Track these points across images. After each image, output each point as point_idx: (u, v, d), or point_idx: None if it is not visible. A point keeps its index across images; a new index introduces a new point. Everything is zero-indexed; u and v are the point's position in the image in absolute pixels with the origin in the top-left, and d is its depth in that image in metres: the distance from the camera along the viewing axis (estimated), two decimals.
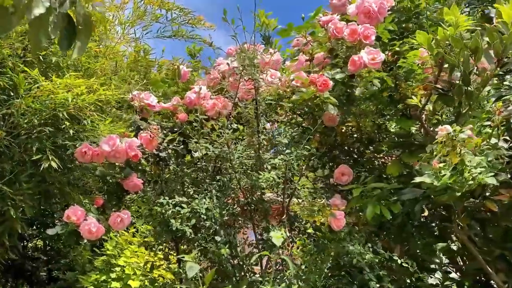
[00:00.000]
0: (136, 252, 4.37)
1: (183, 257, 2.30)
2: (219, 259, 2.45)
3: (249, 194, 2.66)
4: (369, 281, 2.60)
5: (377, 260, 2.58)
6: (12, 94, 3.44)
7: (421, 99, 2.43)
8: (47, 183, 3.57)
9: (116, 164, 2.56)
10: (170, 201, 2.48)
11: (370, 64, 2.47)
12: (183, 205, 2.49)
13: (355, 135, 2.97)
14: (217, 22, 5.44)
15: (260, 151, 2.55)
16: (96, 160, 2.49)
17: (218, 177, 2.64)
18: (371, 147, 3.01)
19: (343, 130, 2.88)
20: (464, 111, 2.28)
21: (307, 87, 2.60)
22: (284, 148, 2.51)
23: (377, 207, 2.57)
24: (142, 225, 4.64)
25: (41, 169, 3.24)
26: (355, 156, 3.01)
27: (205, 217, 2.46)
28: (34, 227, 4.55)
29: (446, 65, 2.29)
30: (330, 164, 3.00)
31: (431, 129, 2.50)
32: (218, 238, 2.50)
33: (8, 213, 3.31)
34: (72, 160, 3.72)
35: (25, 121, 3.30)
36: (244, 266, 2.61)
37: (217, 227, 2.52)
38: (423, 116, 2.52)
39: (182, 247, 3.01)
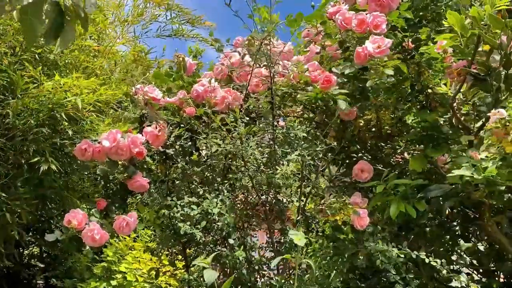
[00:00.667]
0: (137, 258, 4.11)
1: (192, 263, 2.02)
2: (233, 264, 2.19)
3: (264, 193, 2.40)
4: (395, 284, 2.36)
5: (401, 261, 2.34)
6: (7, 94, 3.20)
7: (450, 87, 2.19)
8: (44, 187, 3.33)
9: (119, 162, 2.29)
10: (178, 202, 2.21)
11: (376, 54, 2.22)
12: (192, 206, 2.23)
13: (374, 129, 2.72)
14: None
15: (276, 146, 2.29)
16: (97, 158, 2.22)
17: (229, 175, 2.38)
18: (390, 142, 2.76)
19: (361, 124, 2.64)
20: (503, 98, 2.05)
21: (313, 85, 2.36)
22: (302, 143, 2.26)
23: (402, 205, 2.33)
24: (143, 229, 4.41)
25: (38, 172, 3.01)
26: (373, 152, 2.76)
27: (217, 218, 2.21)
28: (31, 234, 4.27)
29: (480, 49, 2.06)
30: (347, 161, 2.75)
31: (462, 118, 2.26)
32: (231, 241, 2.24)
33: (3, 219, 3.05)
34: (70, 163, 3.49)
35: (21, 122, 3.06)
36: (260, 270, 2.36)
37: (230, 229, 2.26)
38: (455, 105, 2.27)
39: (189, 251, 2.75)
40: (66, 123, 3.12)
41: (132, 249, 4.28)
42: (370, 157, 2.73)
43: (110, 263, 4.03)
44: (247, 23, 2.52)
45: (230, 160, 2.42)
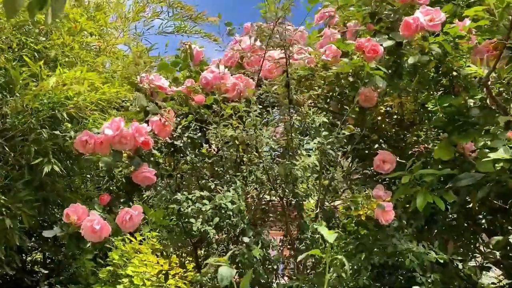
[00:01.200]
0: (144, 261, 3.90)
1: (206, 261, 1.81)
2: (250, 263, 1.98)
3: (279, 187, 2.18)
4: (421, 285, 2.14)
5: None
6: (5, 92, 3.01)
7: (480, 66, 1.99)
8: (45, 190, 3.14)
9: (124, 155, 2.08)
10: (189, 196, 2.00)
11: (429, 27, 2.04)
12: (204, 201, 2.02)
13: (395, 116, 2.51)
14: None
15: (292, 134, 2.08)
16: (99, 150, 2.01)
17: (242, 167, 2.17)
18: (411, 130, 2.54)
19: (381, 111, 2.42)
20: None
21: (351, 56, 2.15)
22: (322, 129, 2.05)
23: (429, 196, 2.12)
24: (149, 231, 4.21)
25: (40, 174, 2.82)
26: (393, 142, 2.55)
27: (231, 213, 2.00)
28: (33, 239, 4.07)
29: None
30: (366, 152, 2.53)
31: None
32: (246, 239, 2.03)
33: (3, 223, 2.85)
34: (72, 164, 3.31)
35: (21, 121, 2.87)
36: (278, 270, 2.14)
37: (245, 226, 2.05)
38: (489, 83, 2.06)
39: (199, 252, 2.54)
40: (69, 124, 2.95)
41: (139, 252, 4.06)
42: (386, 146, 2.52)
43: (116, 267, 3.82)
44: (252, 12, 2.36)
45: (243, 152, 2.21)
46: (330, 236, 1.59)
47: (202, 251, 2.61)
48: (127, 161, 2.07)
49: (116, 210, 1.99)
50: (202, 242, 2.43)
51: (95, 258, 4.17)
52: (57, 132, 2.81)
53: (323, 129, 2.06)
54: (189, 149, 2.21)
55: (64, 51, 3.42)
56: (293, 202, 2.21)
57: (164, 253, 2.51)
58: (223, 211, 2.02)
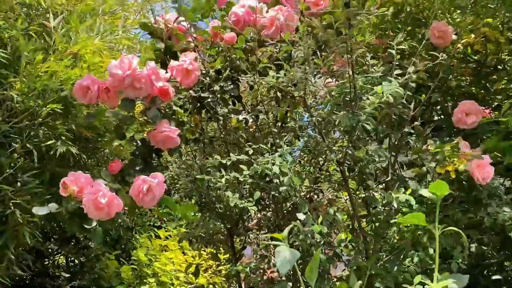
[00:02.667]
0: (171, 259, 3.42)
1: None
2: (307, 246, 1.42)
3: (341, 149, 1.63)
4: None
5: None
6: (9, 73, 2.55)
7: None
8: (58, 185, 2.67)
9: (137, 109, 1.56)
10: (224, 161, 1.46)
11: None
12: (242, 166, 1.48)
13: (475, 57, 1.92)
14: None
15: (354, 74, 1.52)
16: (106, 101, 1.49)
17: (288, 125, 1.62)
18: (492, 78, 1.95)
19: (459, 51, 1.84)
20: None
21: None
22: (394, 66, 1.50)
23: None
24: (176, 228, 3.78)
25: (52, 161, 2.35)
26: (469, 94, 1.96)
27: (277, 181, 1.44)
28: (53, 240, 3.65)
29: None
30: (440, 105, 1.96)
31: None
32: (301, 216, 1.47)
33: (12, 218, 2.37)
34: (88, 156, 2.84)
35: (29, 103, 2.41)
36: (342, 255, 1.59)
37: (298, 200, 1.49)
38: None
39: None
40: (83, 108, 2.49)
41: (164, 251, 3.59)
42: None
43: (142, 266, 3.35)
44: None
45: (288, 107, 1.67)
46: (440, 188, 1.03)
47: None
48: (141, 118, 1.53)
49: (130, 180, 1.44)
50: (239, 226, 1.89)
51: (118, 259, 3.74)
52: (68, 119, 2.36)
53: (399, 62, 1.49)
54: (219, 106, 1.67)
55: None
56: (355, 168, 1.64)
57: (194, 241, 1.96)
58: (267, 179, 1.48)
